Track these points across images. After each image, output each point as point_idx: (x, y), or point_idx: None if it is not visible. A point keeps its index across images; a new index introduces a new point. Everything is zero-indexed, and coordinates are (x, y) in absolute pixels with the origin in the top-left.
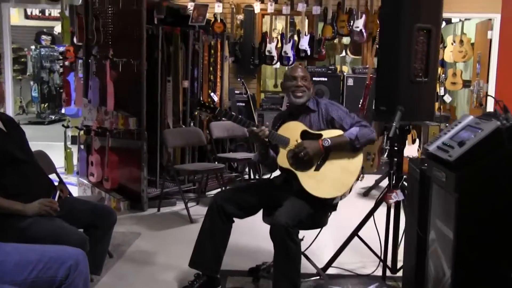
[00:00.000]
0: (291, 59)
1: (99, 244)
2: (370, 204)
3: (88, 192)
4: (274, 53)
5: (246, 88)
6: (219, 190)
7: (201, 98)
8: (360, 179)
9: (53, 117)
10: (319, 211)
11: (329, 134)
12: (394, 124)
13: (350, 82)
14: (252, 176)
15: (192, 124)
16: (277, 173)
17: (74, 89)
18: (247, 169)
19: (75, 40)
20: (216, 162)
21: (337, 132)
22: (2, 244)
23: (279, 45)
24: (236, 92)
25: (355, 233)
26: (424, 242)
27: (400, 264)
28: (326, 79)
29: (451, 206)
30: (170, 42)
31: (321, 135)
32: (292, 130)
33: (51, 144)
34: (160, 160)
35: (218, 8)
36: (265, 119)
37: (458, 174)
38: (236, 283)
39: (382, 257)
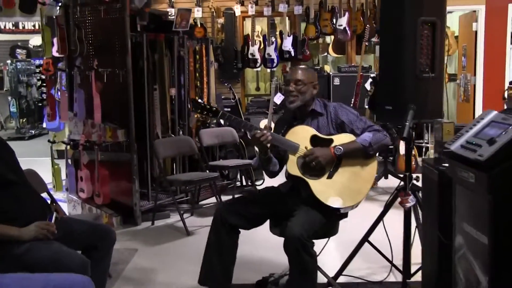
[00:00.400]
0: (275, 61)
1: (100, 266)
2: (369, 206)
3: (78, 208)
4: (258, 56)
5: (234, 93)
6: (213, 199)
7: (202, 100)
8: (374, 185)
9: (33, 131)
10: (330, 219)
11: (340, 139)
12: (407, 123)
13: (337, 81)
14: (244, 183)
15: (181, 133)
16: (275, 179)
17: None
18: (238, 176)
19: (54, 51)
20: (207, 171)
21: (349, 137)
22: (0, 276)
23: (262, 47)
24: (222, 97)
25: (365, 238)
26: (449, 247)
27: (413, 269)
28: None
29: (482, 209)
30: (155, 49)
31: (332, 140)
32: (301, 135)
33: (35, 160)
34: (151, 172)
35: (197, 13)
36: (252, 123)
37: (491, 174)
38: None
39: (402, 264)
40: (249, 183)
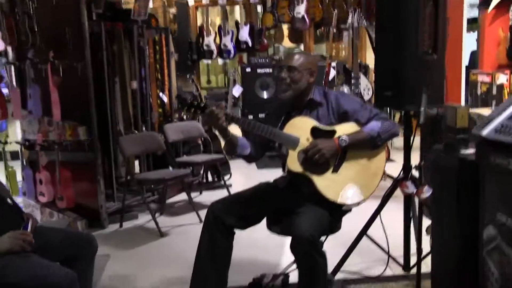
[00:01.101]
0: (232, 52)
1: (83, 278)
2: None
3: (37, 213)
4: (213, 47)
5: (196, 85)
6: (180, 196)
7: (190, 97)
8: (383, 179)
9: None
10: (336, 216)
11: (343, 129)
12: (422, 108)
13: None
14: (210, 179)
15: (144, 129)
16: (266, 172)
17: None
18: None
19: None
20: (171, 167)
21: (352, 127)
22: None
23: (218, 38)
24: (183, 90)
25: (363, 232)
26: (473, 239)
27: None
28: (271, 70)
29: None
30: (113, 40)
31: (334, 132)
32: (300, 128)
33: None
34: (115, 172)
35: None
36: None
37: None
38: None
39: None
40: (215, 179)
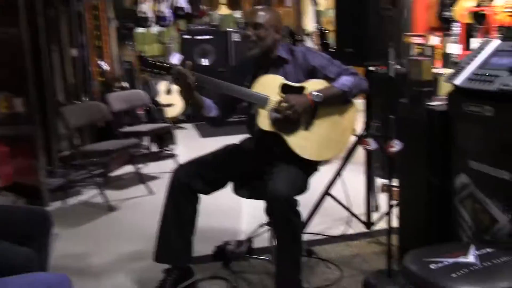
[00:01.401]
0: (169, 19)
1: (41, 257)
2: None
3: None
4: (150, 14)
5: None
6: (125, 169)
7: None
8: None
9: None
10: (307, 175)
11: (313, 86)
12: (391, 63)
13: (237, 38)
14: (154, 149)
15: (85, 99)
16: (209, 140)
17: None
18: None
19: None
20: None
21: (321, 83)
22: None
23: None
24: (123, 60)
25: (326, 192)
26: (445, 189)
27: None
28: (210, 37)
29: (502, 143)
30: (49, 4)
31: (304, 88)
32: (269, 85)
33: None
34: (54, 145)
35: None
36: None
37: None
38: (206, 272)
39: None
40: (160, 149)
